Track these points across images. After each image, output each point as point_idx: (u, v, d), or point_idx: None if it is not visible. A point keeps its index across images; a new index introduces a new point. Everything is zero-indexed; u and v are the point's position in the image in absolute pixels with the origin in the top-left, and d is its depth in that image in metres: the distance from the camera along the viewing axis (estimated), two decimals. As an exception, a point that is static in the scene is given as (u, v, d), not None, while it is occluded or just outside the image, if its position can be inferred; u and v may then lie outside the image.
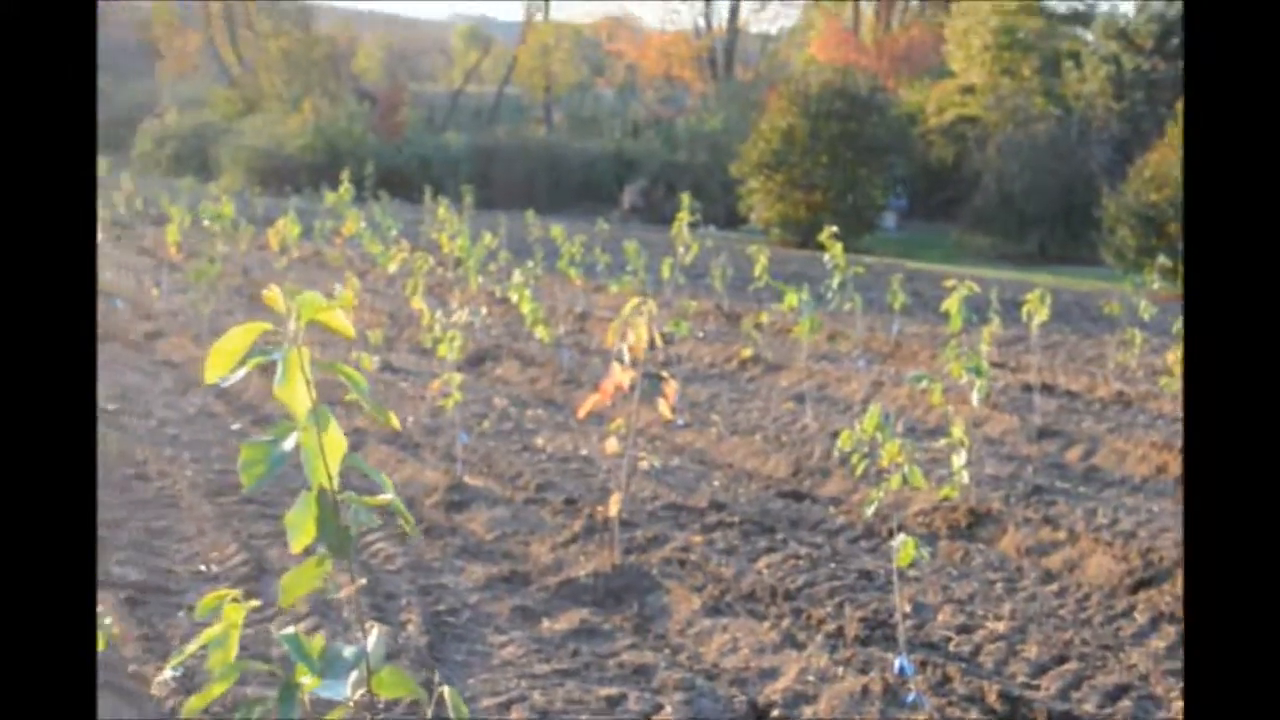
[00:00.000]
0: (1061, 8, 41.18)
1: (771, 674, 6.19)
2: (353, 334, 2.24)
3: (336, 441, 2.25)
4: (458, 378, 9.10)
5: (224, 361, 2.19)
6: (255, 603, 2.34)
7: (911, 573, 7.55)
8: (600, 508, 8.32)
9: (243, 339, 2.20)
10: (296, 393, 2.21)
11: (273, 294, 2.12)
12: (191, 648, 2.33)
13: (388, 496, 2.30)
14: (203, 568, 7.63)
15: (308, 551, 2.32)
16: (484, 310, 16.15)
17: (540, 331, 13.43)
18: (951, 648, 6.49)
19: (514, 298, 13.92)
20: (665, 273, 17.86)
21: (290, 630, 2.27)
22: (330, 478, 2.23)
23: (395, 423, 2.40)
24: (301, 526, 2.24)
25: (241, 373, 2.20)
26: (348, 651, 2.22)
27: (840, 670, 6.10)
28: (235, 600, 2.23)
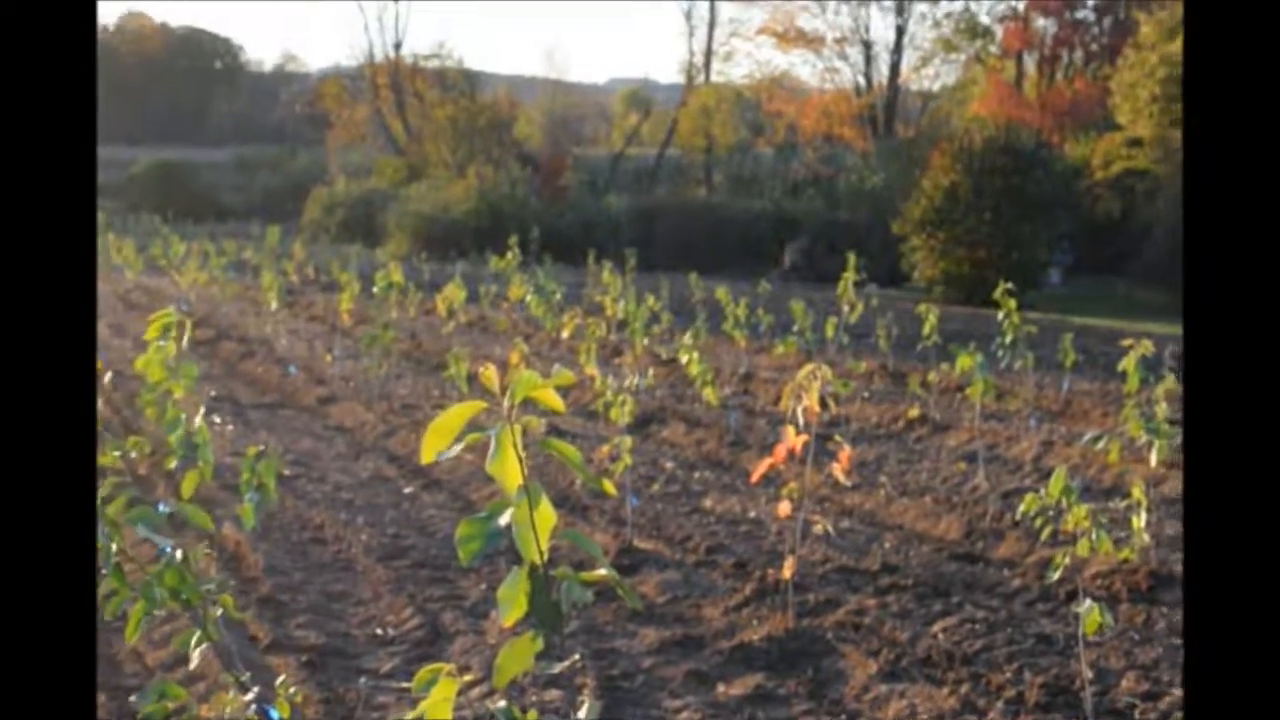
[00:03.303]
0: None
1: (952, 741, 6.10)
2: (564, 409, 2.27)
3: (548, 517, 2.27)
4: (629, 441, 9.13)
5: (441, 440, 2.23)
6: (469, 676, 2.37)
7: (1093, 637, 7.39)
8: (771, 570, 8.27)
9: (459, 417, 2.24)
10: (509, 468, 2.24)
11: (488, 372, 2.16)
12: (408, 720, 2.36)
13: (603, 572, 2.32)
14: (379, 631, 7.73)
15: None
16: (649, 372, 16.22)
17: (708, 393, 13.44)
18: (1138, 715, 6.33)
19: (683, 360, 13.98)
20: (829, 332, 17.79)
21: (503, 704, 2.29)
22: (542, 553, 2.26)
23: (611, 489, 2.43)
24: (513, 602, 2.26)
25: (457, 449, 2.24)
26: (562, 727, 2.24)
27: (1023, 738, 5.99)
28: (450, 674, 2.26)
